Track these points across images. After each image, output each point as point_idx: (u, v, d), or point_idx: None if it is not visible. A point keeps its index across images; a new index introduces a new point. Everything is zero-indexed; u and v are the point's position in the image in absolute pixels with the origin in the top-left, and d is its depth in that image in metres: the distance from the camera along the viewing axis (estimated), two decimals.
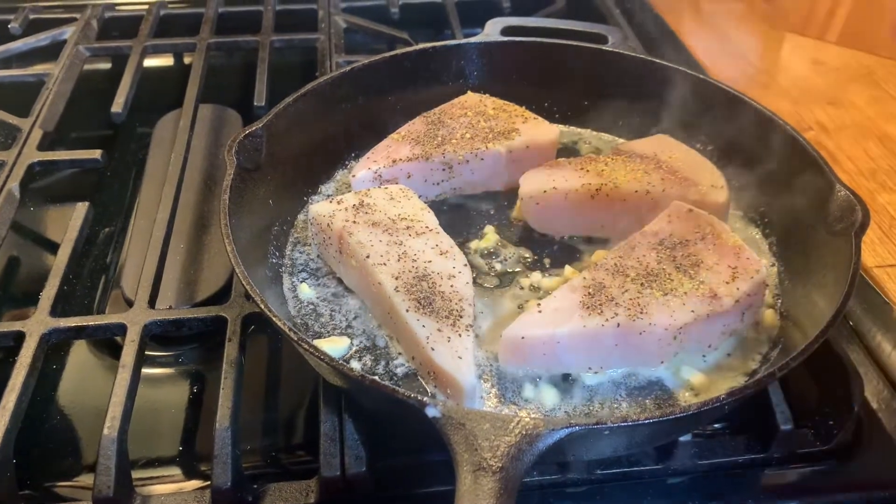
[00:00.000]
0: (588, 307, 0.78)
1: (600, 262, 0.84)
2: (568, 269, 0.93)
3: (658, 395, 0.79)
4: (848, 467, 0.79)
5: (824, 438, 0.80)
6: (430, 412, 0.60)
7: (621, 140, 1.14)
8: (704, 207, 0.91)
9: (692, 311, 0.78)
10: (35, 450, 0.81)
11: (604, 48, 1.12)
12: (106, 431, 0.73)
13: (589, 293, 0.80)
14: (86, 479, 0.79)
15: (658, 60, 1.10)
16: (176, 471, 0.81)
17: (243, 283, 0.73)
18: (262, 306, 0.70)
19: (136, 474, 0.77)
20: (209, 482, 0.74)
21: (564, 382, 0.80)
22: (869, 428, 0.82)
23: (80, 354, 0.93)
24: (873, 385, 0.86)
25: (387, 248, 0.84)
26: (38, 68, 1.36)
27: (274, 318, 0.69)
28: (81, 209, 1.00)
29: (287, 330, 0.68)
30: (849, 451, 0.80)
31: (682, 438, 0.78)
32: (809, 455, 0.80)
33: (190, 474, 0.81)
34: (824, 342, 0.70)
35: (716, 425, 0.82)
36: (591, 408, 0.78)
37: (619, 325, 0.77)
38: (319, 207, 0.91)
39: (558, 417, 0.75)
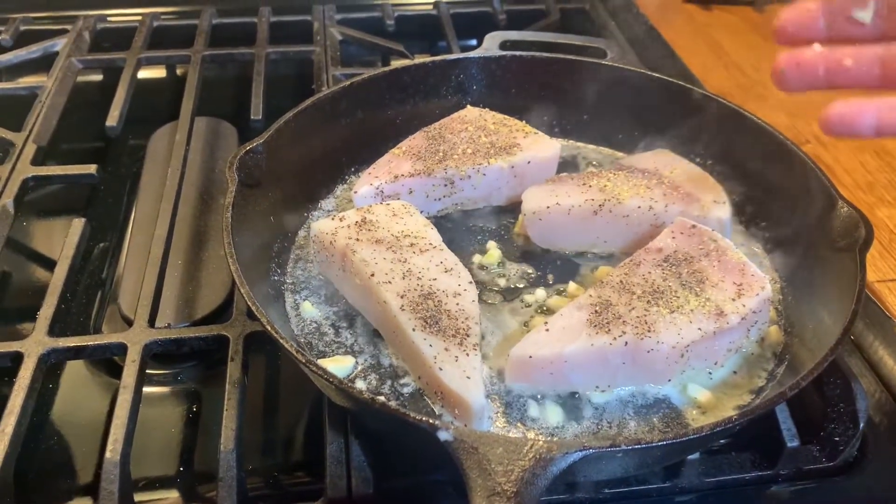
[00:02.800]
0: (595, 325, 0.78)
1: (606, 279, 0.84)
2: (572, 285, 0.92)
3: (665, 413, 0.79)
4: (854, 483, 0.79)
5: (830, 455, 0.80)
6: (442, 436, 0.59)
7: (620, 154, 1.14)
8: (707, 223, 0.91)
9: (699, 329, 0.78)
10: (31, 471, 0.80)
11: (603, 62, 1.12)
12: (108, 455, 0.71)
13: (596, 311, 0.79)
14: (83, 503, 0.78)
15: (657, 75, 1.10)
16: (177, 493, 0.80)
17: (248, 303, 0.72)
18: (269, 328, 0.69)
19: (136, 497, 0.75)
20: None
21: (570, 401, 0.80)
22: (873, 443, 0.82)
23: (75, 372, 0.91)
24: (876, 400, 0.86)
25: (391, 266, 0.84)
26: (30, 80, 1.34)
27: (281, 340, 0.68)
28: (78, 225, 0.98)
29: (294, 351, 0.67)
30: (854, 467, 0.80)
31: (688, 456, 0.78)
32: (815, 471, 0.79)
33: (191, 496, 0.79)
34: None
35: (721, 441, 0.82)
36: (599, 427, 0.77)
37: (626, 343, 0.77)
38: (321, 225, 0.90)
39: (571, 440, 0.74)
